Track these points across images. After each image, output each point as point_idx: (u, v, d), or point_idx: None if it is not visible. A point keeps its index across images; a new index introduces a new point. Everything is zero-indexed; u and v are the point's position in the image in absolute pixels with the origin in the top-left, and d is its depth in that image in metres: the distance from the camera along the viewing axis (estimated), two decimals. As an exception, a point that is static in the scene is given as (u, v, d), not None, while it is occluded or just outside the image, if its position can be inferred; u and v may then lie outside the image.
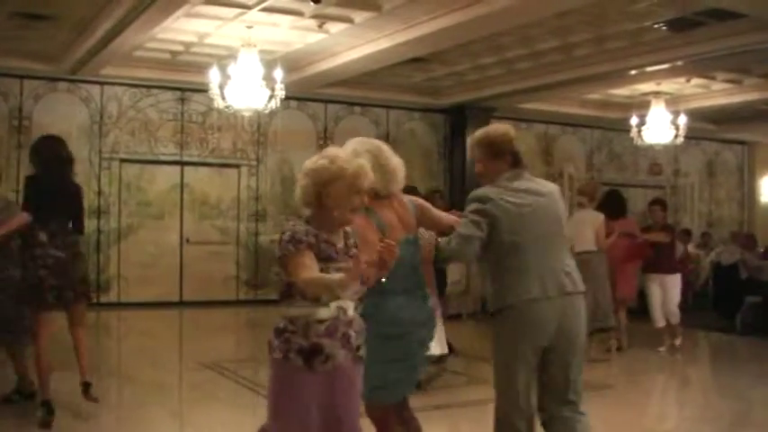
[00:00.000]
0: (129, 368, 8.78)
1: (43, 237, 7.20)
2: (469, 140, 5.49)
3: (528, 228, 4.93)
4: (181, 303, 16.48)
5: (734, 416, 8.34)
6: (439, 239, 4.96)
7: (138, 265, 16.26)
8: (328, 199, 4.16)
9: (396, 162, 4.98)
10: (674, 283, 11.89)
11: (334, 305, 4.15)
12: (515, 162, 5.17)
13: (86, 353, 7.58)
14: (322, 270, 4.08)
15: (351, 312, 4.24)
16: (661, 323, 11.85)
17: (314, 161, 4.23)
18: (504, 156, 5.15)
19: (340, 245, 4.24)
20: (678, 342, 11.90)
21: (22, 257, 7.39)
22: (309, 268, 4.05)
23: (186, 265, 16.75)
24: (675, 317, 11.89)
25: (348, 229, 4.35)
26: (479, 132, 5.37)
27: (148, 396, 8.49)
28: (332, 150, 4.28)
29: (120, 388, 8.55)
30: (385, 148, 5.02)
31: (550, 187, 5.24)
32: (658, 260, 11.70)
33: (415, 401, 5.03)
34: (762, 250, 16.07)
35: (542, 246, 4.96)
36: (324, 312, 4.15)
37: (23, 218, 7.19)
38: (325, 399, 4.17)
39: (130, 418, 7.55)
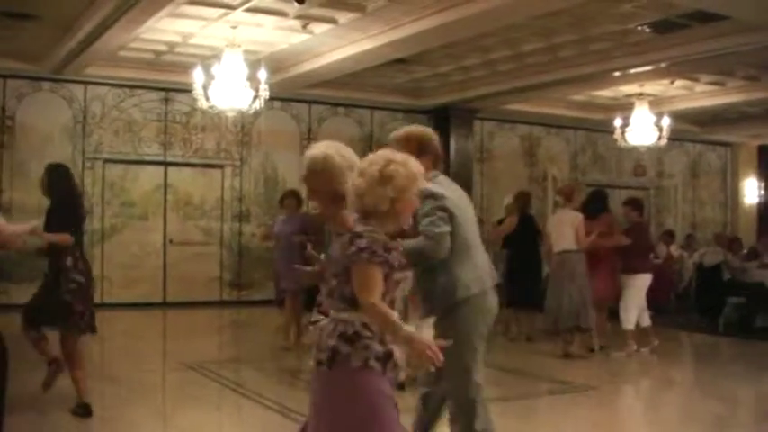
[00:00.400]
0: (112, 368, 8.77)
1: (69, 261, 7.40)
2: (391, 137, 5.48)
3: (469, 222, 5.21)
4: (164, 304, 16.47)
5: (717, 416, 8.36)
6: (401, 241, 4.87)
7: (122, 266, 16.22)
8: (400, 204, 4.06)
9: None
10: (632, 283, 11.79)
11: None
12: (436, 162, 5.34)
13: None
14: (387, 278, 4.00)
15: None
16: (627, 325, 11.76)
17: (382, 164, 4.05)
18: (428, 154, 5.22)
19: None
20: (639, 347, 11.70)
21: (46, 279, 7.58)
22: (378, 286, 3.94)
23: (170, 265, 16.72)
24: (642, 320, 11.84)
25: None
26: (402, 130, 5.51)
27: (131, 396, 8.46)
28: (391, 154, 4.14)
29: (103, 388, 8.51)
30: None
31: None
32: (624, 261, 11.69)
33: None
34: (745, 252, 16.13)
35: (478, 239, 5.26)
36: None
37: (69, 239, 7.39)
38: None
39: (113, 418, 7.52)
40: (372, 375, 3.98)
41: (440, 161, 5.36)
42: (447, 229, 4.97)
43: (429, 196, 4.94)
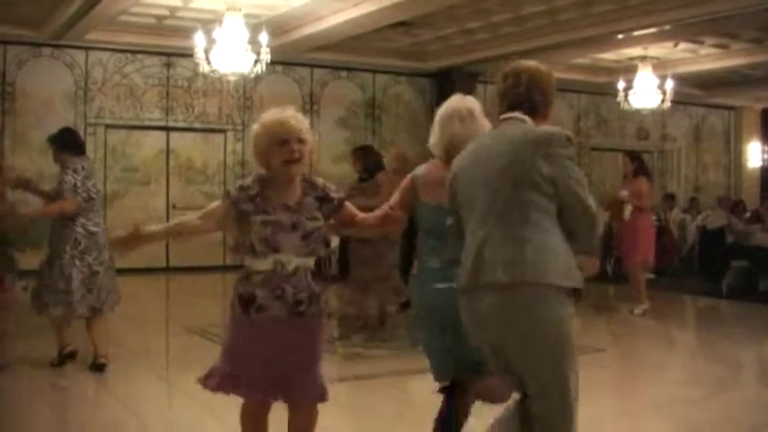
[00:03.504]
0: (115, 333, 8.76)
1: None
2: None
3: None
4: (167, 269, 16.50)
5: (719, 378, 8.38)
6: None
7: (125, 231, 16.18)
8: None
9: None
10: None
11: (271, 258, 4.24)
12: None
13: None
14: (245, 223, 4.28)
15: (291, 267, 4.27)
16: None
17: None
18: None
19: (287, 201, 4.31)
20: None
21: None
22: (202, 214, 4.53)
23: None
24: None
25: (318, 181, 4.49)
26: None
27: (136, 361, 8.49)
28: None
29: (106, 353, 8.52)
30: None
31: None
32: None
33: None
34: (748, 215, 16.11)
35: None
36: (260, 264, 4.27)
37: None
38: (267, 352, 4.30)
39: (117, 383, 7.55)
40: (232, 314, 4.41)
41: None
42: None
43: None
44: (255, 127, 4.35)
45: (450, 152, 4.51)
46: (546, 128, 3.99)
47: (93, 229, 7.75)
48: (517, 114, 4.10)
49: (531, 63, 4.39)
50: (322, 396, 4.48)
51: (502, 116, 4.18)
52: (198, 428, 6.29)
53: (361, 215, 4.66)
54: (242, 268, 4.38)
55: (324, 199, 4.40)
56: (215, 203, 4.52)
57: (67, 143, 7.98)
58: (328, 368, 8.45)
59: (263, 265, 4.25)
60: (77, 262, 7.62)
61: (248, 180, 4.35)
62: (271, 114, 4.34)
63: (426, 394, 5.04)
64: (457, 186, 4.09)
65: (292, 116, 4.32)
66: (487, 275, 3.79)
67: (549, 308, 3.76)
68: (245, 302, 4.28)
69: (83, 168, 7.75)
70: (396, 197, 4.73)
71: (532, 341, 3.78)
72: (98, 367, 7.76)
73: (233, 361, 4.36)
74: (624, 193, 11.67)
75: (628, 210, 11.78)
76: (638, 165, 12.10)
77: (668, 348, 10.65)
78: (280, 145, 4.24)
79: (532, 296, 3.74)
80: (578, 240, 3.89)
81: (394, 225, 4.88)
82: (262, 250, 4.24)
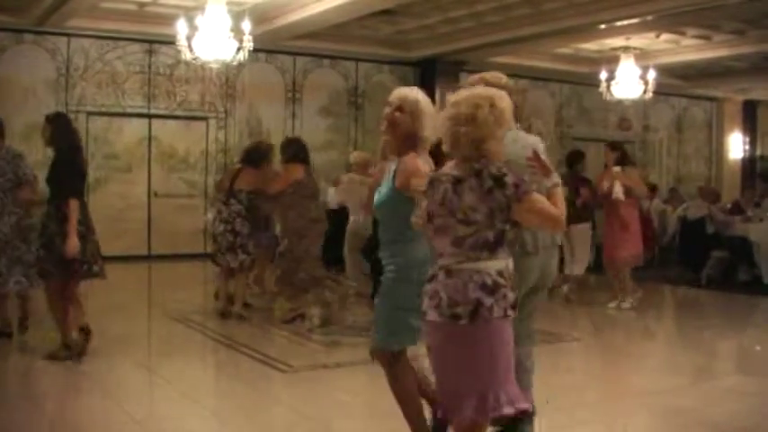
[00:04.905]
0: (97, 321, 8.72)
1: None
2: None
3: None
4: (149, 257, 16.48)
5: (698, 367, 8.45)
6: None
7: (106, 219, 16.03)
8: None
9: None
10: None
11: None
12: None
13: None
14: None
15: None
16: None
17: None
18: None
19: None
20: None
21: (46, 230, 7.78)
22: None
23: (154, 218, 16.70)
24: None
25: None
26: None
27: (117, 348, 8.47)
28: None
29: (86, 337, 8.51)
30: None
31: None
32: None
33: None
34: (729, 206, 16.17)
35: None
36: (511, 262, 4.08)
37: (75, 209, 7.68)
38: None
39: (98, 371, 7.54)
40: (509, 325, 3.99)
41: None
42: None
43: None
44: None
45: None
46: None
47: None
48: None
49: None
50: None
51: None
52: (179, 415, 6.29)
53: None
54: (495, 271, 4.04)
55: None
56: (541, 197, 4.09)
57: None
58: (309, 356, 8.51)
59: (510, 262, 4.13)
60: None
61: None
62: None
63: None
64: None
65: None
66: None
67: None
68: (515, 308, 4.06)
69: None
70: None
71: None
72: None
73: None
74: (618, 195, 11.47)
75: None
76: (619, 155, 12.10)
77: (648, 338, 10.71)
78: None
79: None
80: None
81: None
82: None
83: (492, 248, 3.95)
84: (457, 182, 3.99)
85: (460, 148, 4.02)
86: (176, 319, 10.22)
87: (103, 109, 16.31)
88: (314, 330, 9.42)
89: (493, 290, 3.91)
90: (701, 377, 8.08)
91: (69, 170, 7.69)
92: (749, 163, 25.25)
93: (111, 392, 6.85)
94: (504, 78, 5.36)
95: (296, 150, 10.02)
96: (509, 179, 3.90)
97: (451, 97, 4.11)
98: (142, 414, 6.29)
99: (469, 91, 4.10)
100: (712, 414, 6.45)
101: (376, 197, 4.99)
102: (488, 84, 4.88)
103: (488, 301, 3.89)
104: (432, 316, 3.99)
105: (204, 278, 13.81)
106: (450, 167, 4.11)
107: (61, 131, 7.87)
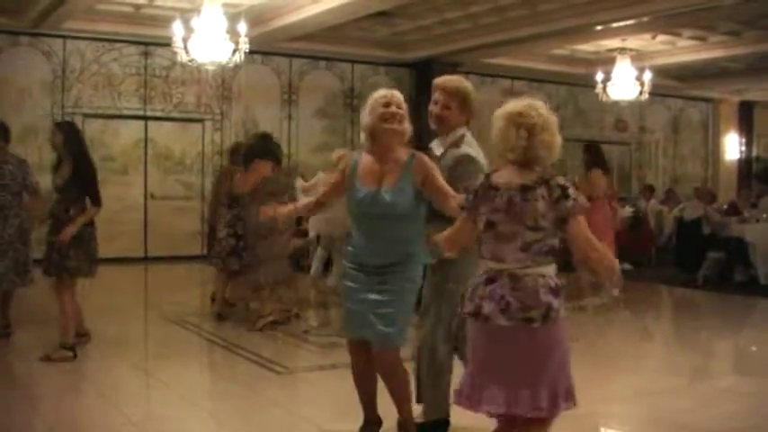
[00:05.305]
0: (93, 323, 8.74)
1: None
2: (445, 82, 5.58)
3: None
4: (145, 259, 16.46)
5: (694, 368, 8.46)
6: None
7: (103, 221, 15.84)
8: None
9: None
10: None
11: None
12: (468, 122, 5.52)
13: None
14: None
15: None
16: None
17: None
18: (467, 113, 5.35)
19: None
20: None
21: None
22: None
23: (151, 220, 16.69)
24: None
25: None
26: (461, 80, 5.60)
27: (113, 350, 8.47)
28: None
29: (84, 342, 8.51)
30: None
31: None
32: None
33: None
34: (725, 207, 16.19)
35: None
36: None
37: (93, 213, 8.27)
38: None
39: (95, 373, 7.54)
40: (567, 323, 4.21)
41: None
42: None
43: (478, 167, 5.20)
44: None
45: None
46: None
47: None
48: None
49: None
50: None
51: None
52: (176, 417, 6.29)
53: None
54: (555, 275, 4.25)
55: None
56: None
57: None
58: (305, 358, 8.50)
59: None
60: None
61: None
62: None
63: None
64: None
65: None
66: None
67: None
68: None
69: None
70: None
71: None
72: None
73: None
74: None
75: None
76: (590, 156, 12.09)
77: (644, 338, 10.71)
78: None
79: None
80: None
81: None
82: None
83: (554, 254, 4.14)
84: (525, 189, 4.09)
85: (520, 155, 4.14)
86: (173, 321, 10.22)
87: (99, 111, 16.31)
88: (310, 332, 9.44)
89: (557, 292, 4.11)
90: (698, 378, 8.08)
91: (91, 177, 8.14)
92: (745, 164, 25.29)
93: (108, 394, 6.84)
94: (464, 81, 5.62)
95: (263, 147, 9.94)
96: (571, 192, 4.09)
97: (507, 106, 4.21)
98: (139, 416, 6.28)
99: (525, 100, 4.24)
100: (710, 415, 6.45)
101: (388, 197, 5.04)
102: (452, 85, 5.50)
103: (555, 303, 4.07)
104: (500, 320, 4.07)
105: (201, 280, 13.81)
106: (505, 175, 4.19)
107: (73, 139, 8.11)
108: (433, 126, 5.56)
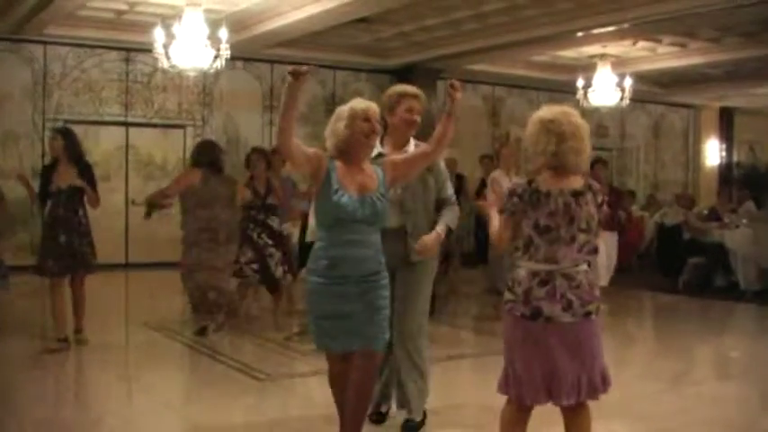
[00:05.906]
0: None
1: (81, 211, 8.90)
2: (418, 92, 6.32)
3: None
4: (126, 265, 16.40)
5: (675, 373, 8.48)
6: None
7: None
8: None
9: None
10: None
11: None
12: None
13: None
14: None
15: None
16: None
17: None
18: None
19: None
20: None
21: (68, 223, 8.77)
22: None
23: (132, 226, 16.61)
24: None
25: None
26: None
27: (95, 358, 8.45)
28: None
29: (66, 350, 8.49)
30: None
31: None
32: None
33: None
34: (706, 212, 16.25)
35: None
36: None
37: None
38: None
39: (77, 381, 7.52)
40: None
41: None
42: None
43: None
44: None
45: None
46: None
47: None
48: None
49: None
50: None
51: None
52: (156, 425, 6.27)
53: None
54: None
55: None
56: None
57: None
58: (286, 364, 8.50)
59: None
60: None
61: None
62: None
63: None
64: None
65: None
66: None
67: None
68: None
69: None
70: None
71: None
72: None
73: None
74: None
75: None
76: None
77: (626, 344, 10.72)
78: None
79: None
80: None
81: None
82: None
83: (597, 252, 4.54)
84: (577, 195, 4.43)
85: (551, 160, 4.45)
86: (154, 328, 10.19)
87: (80, 117, 16.23)
88: (291, 338, 9.42)
89: (597, 286, 4.53)
90: (679, 383, 8.10)
91: (95, 179, 8.88)
92: (726, 170, 25.40)
93: (89, 402, 6.82)
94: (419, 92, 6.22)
95: (197, 154, 9.94)
96: (601, 198, 4.53)
97: (541, 112, 4.57)
98: (119, 424, 6.26)
99: (559, 107, 4.60)
100: (690, 420, 6.47)
101: (379, 203, 5.09)
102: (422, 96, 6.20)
103: (599, 295, 4.50)
104: (565, 318, 4.38)
105: (182, 287, 13.78)
106: (551, 181, 4.47)
107: (74, 145, 8.70)
108: (409, 133, 5.99)
